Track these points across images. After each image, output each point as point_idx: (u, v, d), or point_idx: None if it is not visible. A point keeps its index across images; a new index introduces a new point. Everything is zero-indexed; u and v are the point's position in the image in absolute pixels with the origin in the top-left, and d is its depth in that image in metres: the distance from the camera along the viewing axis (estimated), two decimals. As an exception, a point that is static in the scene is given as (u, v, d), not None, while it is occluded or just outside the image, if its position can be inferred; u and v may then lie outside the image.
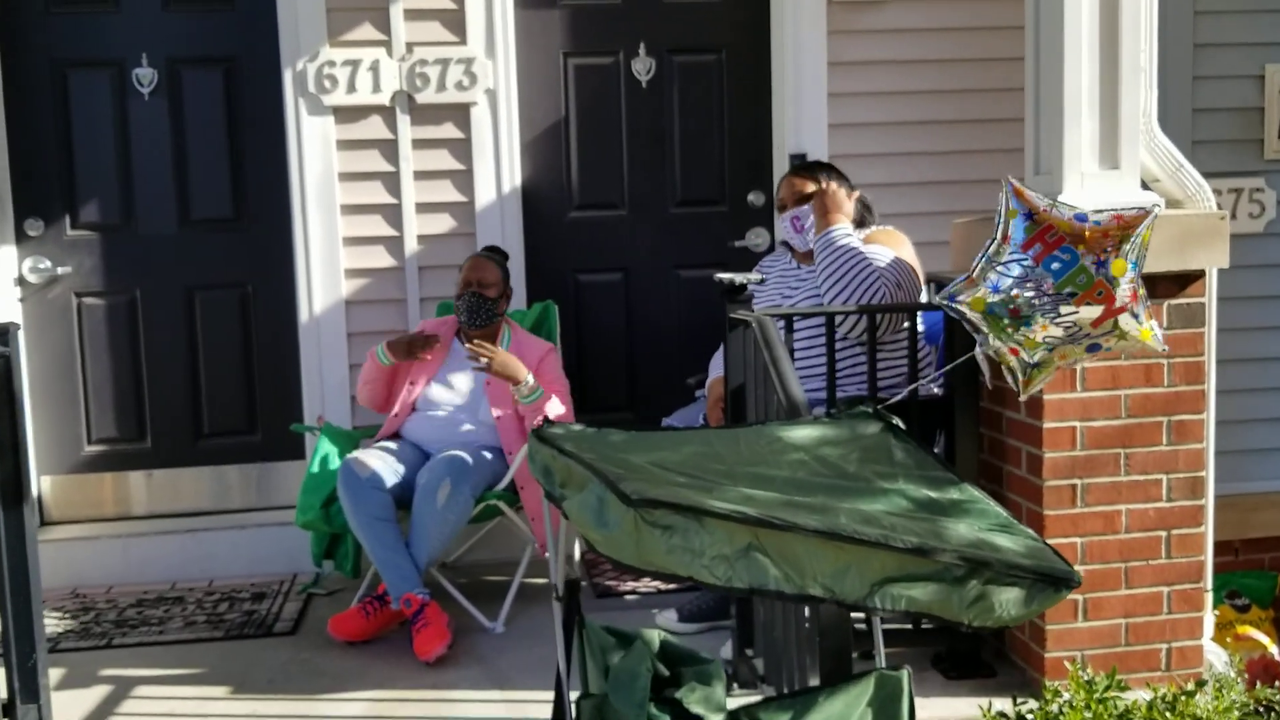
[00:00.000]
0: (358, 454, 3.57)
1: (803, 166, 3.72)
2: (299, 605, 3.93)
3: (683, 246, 4.55)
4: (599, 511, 1.51)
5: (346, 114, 4.20)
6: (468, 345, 3.66)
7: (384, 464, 3.54)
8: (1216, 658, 3.13)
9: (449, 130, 4.26)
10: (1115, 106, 3.01)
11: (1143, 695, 2.58)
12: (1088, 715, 2.34)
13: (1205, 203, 3.11)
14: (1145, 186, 3.09)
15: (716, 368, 3.62)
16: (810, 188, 3.47)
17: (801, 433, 2.04)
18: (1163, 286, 2.95)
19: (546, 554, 2.42)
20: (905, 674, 1.95)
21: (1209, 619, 3.11)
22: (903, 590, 1.51)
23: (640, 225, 4.53)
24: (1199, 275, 2.98)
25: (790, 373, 2.61)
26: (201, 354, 4.40)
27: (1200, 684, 2.48)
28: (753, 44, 4.48)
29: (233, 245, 4.38)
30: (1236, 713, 2.35)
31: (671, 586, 3.95)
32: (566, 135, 4.47)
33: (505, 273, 3.88)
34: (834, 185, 3.41)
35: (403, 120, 4.21)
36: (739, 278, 3.03)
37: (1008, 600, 1.53)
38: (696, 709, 1.95)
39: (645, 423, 4.29)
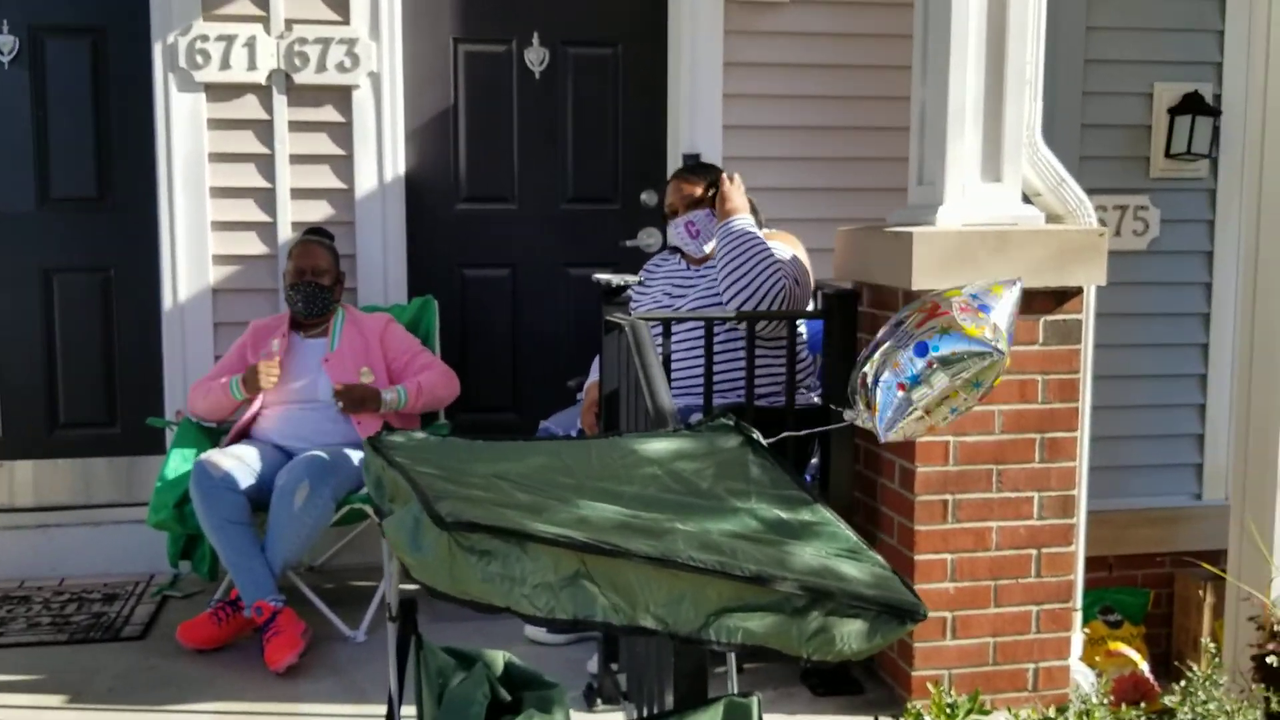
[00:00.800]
0: (211, 454, 3.40)
1: (690, 169, 3.62)
2: (152, 608, 3.73)
3: (573, 244, 4.43)
4: (414, 533, 1.39)
5: (219, 91, 4.00)
6: (336, 388, 3.55)
7: (239, 464, 3.37)
8: (1084, 678, 3.11)
9: (329, 113, 4.08)
10: (999, 118, 2.98)
11: (1004, 718, 2.54)
12: (948, 739, 2.29)
13: (1086, 218, 3.10)
14: (1027, 200, 3.07)
15: (595, 371, 3.52)
16: (699, 191, 3.37)
17: (658, 445, 1.95)
18: (1040, 302, 2.92)
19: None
20: (755, 701, 1.87)
21: (1077, 639, 3.09)
22: (739, 622, 1.42)
23: (530, 220, 4.40)
24: (1077, 292, 2.96)
25: (660, 380, 2.51)
26: (59, 340, 4.16)
27: (1062, 709, 2.44)
28: (649, 39, 4.38)
29: (95, 226, 4.15)
30: (1096, 737, 2.32)
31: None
32: (455, 124, 4.32)
33: (335, 255, 3.77)
34: (736, 177, 3.34)
35: (279, 100, 4.02)
36: (617, 279, 2.93)
37: (850, 633, 1.45)
38: (531, 740, 1.85)
39: (529, 424, 4.18)
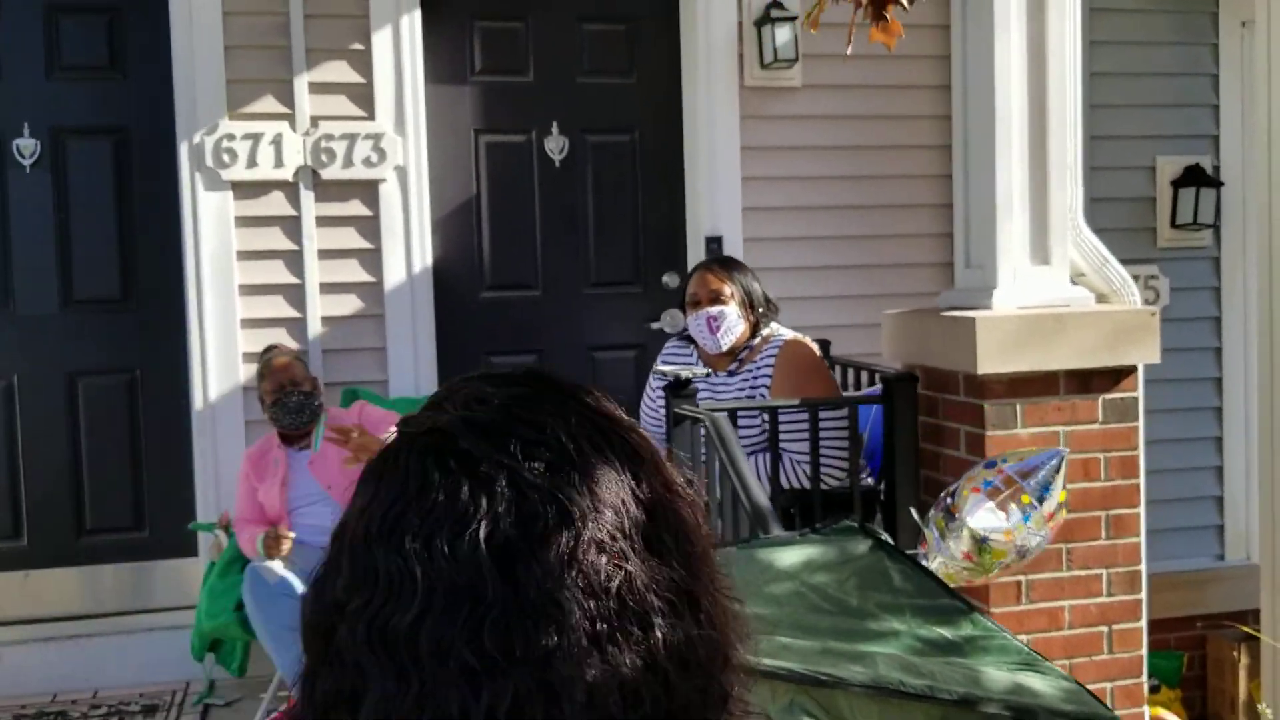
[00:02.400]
0: (262, 561, 3.36)
1: (717, 262, 3.62)
2: (196, 718, 3.65)
3: (597, 327, 4.46)
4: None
5: (246, 189, 4.00)
6: (328, 435, 3.45)
7: (291, 569, 3.33)
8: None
9: (356, 207, 4.10)
10: (1045, 203, 3.07)
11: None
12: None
13: (1130, 297, 3.19)
14: (1073, 281, 3.15)
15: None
16: (727, 288, 3.37)
17: (788, 556, 1.95)
18: (1098, 381, 2.99)
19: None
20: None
21: (1146, 712, 3.13)
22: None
23: (554, 305, 4.43)
24: (1131, 370, 3.04)
25: (751, 476, 2.53)
26: (84, 444, 4.09)
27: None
28: (666, 125, 4.46)
29: (120, 327, 4.11)
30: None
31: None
32: (478, 213, 4.35)
33: (305, 364, 3.76)
34: None
35: (306, 196, 4.03)
36: (685, 371, 2.96)
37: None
38: None
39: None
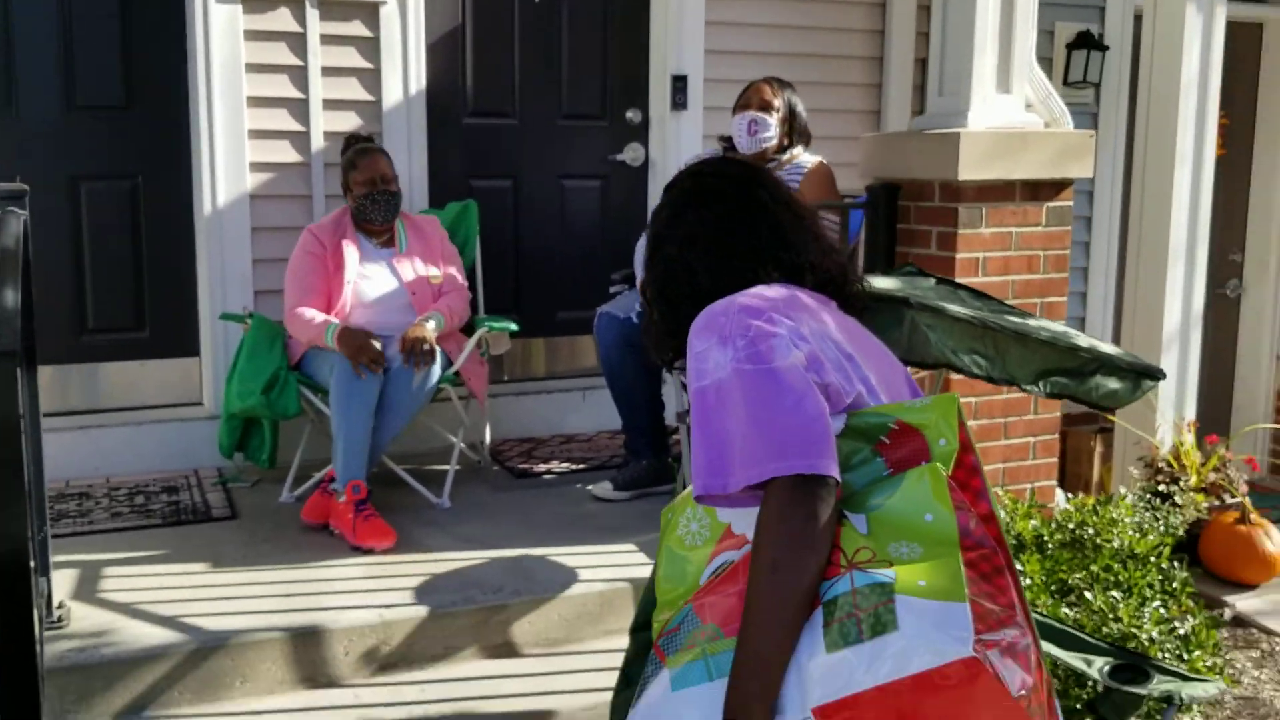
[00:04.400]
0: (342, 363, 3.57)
1: (776, 79, 4.02)
2: (223, 495, 3.95)
3: (567, 157, 4.84)
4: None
5: (255, 3, 4.16)
6: (406, 360, 3.59)
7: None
8: (1061, 497, 3.90)
9: (357, 28, 4.32)
10: (1010, 43, 3.65)
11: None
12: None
13: (1068, 124, 3.83)
14: (1026, 109, 3.77)
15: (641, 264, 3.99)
16: (777, 101, 3.86)
17: (880, 283, 2.49)
18: (1044, 191, 3.63)
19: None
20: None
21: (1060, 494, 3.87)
22: (1058, 378, 2.01)
23: (529, 135, 4.78)
24: (1070, 183, 3.69)
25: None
26: (87, 247, 4.23)
27: (1108, 498, 3.17)
28: (635, -30, 4.82)
29: (123, 134, 4.23)
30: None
31: (580, 466, 4.31)
32: (463, 44, 4.63)
33: (391, 161, 3.93)
34: None
35: (312, 14, 4.23)
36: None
37: (1121, 389, 2.06)
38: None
39: (531, 323, 4.63)
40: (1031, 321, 2.20)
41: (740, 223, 1.63)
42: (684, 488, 1.98)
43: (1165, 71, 4.27)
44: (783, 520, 1.31)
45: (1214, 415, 5.59)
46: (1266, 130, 5.65)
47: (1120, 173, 5.27)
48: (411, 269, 3.89)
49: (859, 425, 1.39)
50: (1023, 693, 1.21)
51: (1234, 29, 5.42)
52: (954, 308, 2.04)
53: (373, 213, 3.84)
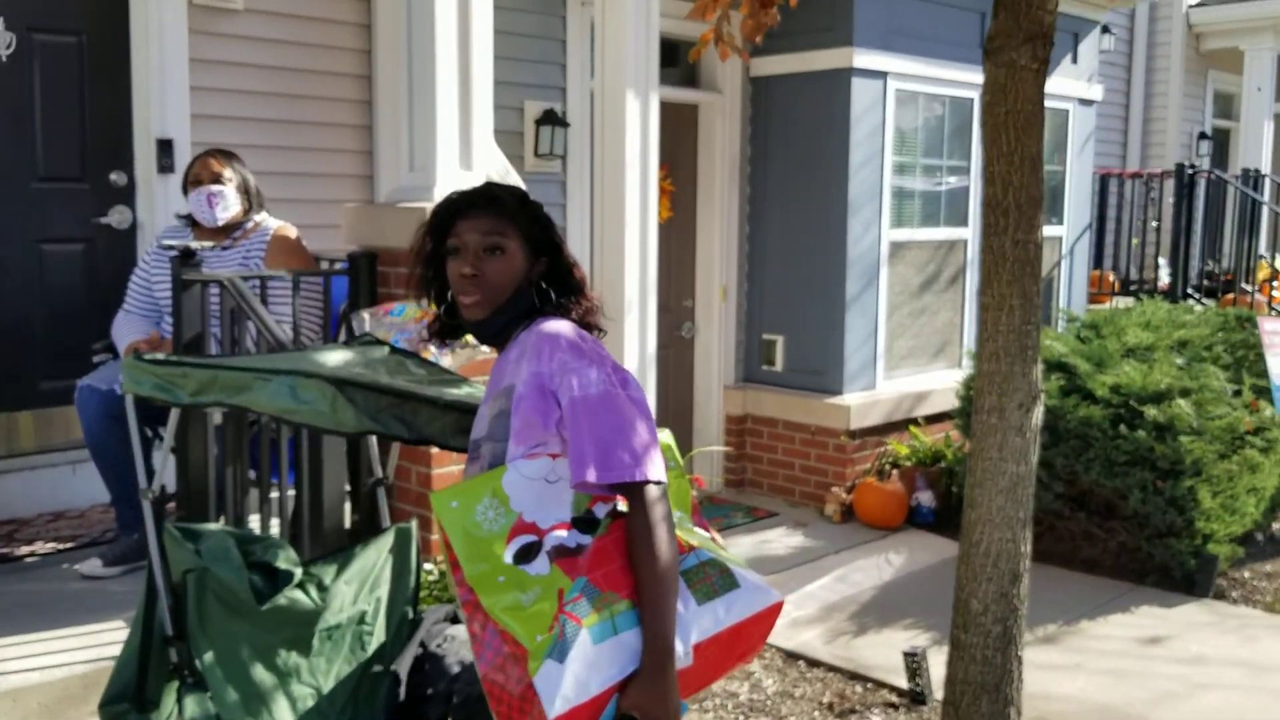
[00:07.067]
0: None
1: (220, 151, 4.16)
2: None
3: (46, 221, 4.70)
4: (294, 392, 2.17)
5: None
6: None
7: None
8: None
9: None
10: (469, 128, 4.12)
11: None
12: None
13: (525, 200, 4.36)
14: (487, 186, 4.25)
15: (126, 332, 4.01)
16: (227, 172, 4.01)
17: (332, 355, 2.77)
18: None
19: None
20: (413, 525, 2.83)
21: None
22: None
23: (3, 200, 4.59)
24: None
25: (271, 319, 3.28)
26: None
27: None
28: (113, 33, 4.78)
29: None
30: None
31: (68, 545, 4.22)
32: (-82, 101, 4.38)
33: None
34: None
35: None
36: (192, 244, 3.56)
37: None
38: (282, 565, 2.62)
39: (9, 397, 4.48)
40: (454, 390, 2.58)
41: None
42: None
43: (613, 147, 4.97)
44: (665, 518, 1.87)
45: (682, 440, 6.45)
46: (705, 195, 6.63)
47: (588, 236, 5.97)
48: None
49: None
50: None
51: (678, 109, 6.36)
52: (384, 379, 2.37)
53: None
